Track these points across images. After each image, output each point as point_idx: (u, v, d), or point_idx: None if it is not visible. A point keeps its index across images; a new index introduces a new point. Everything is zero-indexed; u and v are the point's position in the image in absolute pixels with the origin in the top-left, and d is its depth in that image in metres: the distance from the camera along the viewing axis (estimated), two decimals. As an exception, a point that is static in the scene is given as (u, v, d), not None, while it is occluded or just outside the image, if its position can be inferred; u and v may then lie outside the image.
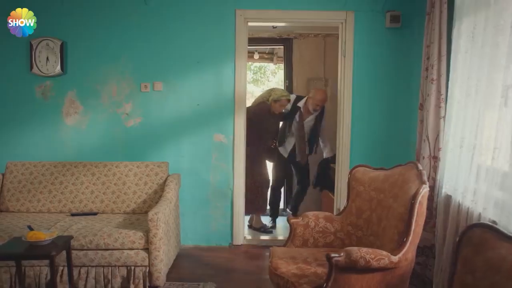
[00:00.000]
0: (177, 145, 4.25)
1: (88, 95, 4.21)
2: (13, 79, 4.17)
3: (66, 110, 4.21)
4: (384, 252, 2.32)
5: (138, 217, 3.71)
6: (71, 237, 3.10)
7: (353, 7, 4.10)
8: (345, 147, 4.22)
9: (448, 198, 2.82)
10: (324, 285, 2.30)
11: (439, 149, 3.18)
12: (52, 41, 4.11)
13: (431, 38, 3.25)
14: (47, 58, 4.14)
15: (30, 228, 3.02)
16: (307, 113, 4.88)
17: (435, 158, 3.20)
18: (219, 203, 4.30)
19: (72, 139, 4.24)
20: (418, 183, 2.53)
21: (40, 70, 4.14)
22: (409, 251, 2.39)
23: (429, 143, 3.24)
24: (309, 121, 4.91)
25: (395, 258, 2.32)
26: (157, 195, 3.91)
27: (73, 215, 3.79)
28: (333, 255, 2.27)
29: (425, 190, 2.41)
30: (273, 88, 4.99)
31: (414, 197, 2.37)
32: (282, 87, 5.78)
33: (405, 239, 2.37)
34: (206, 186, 4.29)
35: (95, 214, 3.83)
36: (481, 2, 2.60)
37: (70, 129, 4.23)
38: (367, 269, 2.29)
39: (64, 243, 2.96)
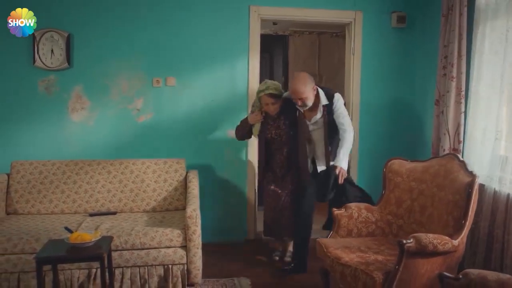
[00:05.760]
0: (190, 141, 4.19)
1: (96, 90, 4.03)
2: (14, 72, 3.90)
3: (72, 106, 4.01)
4: (446, 237, 2.49)
5: (164, 215, 3.63)
6: (111, 238, 2.98)
7: (362, 7, 4.28)
8: (354, 141, 4.35)
9: (481, 186, 3.07)
10: (397, 267, 2.42)
11: (459, 142, 3.44)
12: (58, 33, 3.89)
13: (449, 38, 3.50)
14: (52, 51, 3.91)
15: (69, 230, 2.87)
16: (313, 110, 3.53)
17: (455, 150, 3.45)
18: (232, 199, 4.31)
19: (79, 136, 4.04)
20: (464, 172, 2.74)
21: (43, 63, 3.90)
22: (465, 235, 2.59)
23: (449, 136, 3.49)
24: (315, 121, 3.56)
25: (456, 242, 2.50)
26: (178, 192, 3.84)
27: (91, 215, 3.63)
28: (405, 241, 2.40)
29: (478, 179, 2.62)
30: (264, 81, 3.73)
31: (471, 186, 2.57)
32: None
33: (463, 223, 2.56)
34: (219, 182, 4.28)
35: (114, 213, 3.69)
36: (513, 6, 2.86)
37: (77, 125, 4.03)
38: (434, 253, 2.45)
39: (107, 244, 2.85)
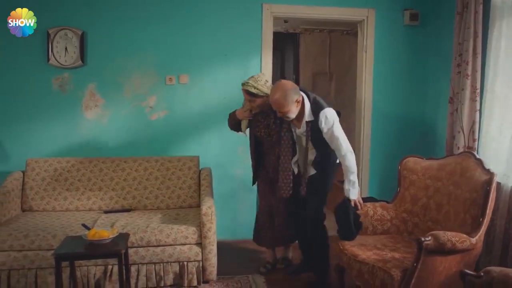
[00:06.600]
0: (203, 139, 4.20)
1: (109, 87, 4.04)
2: (28, 70, 3.91)
3: (86, 103, 4.02)
4: (464, 235, 2.49)
5: (178, 212, 3.65)
6: (128, 235, 3.00)
7: (374, 5, 4.27)
8: (366, 139, 4.39)
9: (497, 184, 3.05)
10: (414, 264, 2.42)
11: (474, 140, 3.43)
12: (71, 30, 3.90)
13: (464, 36, 3.48)
14: (66, 49, 3.93)
15: (86, 227, 2.89)
16: (300, 120, 3.12)
17: (470, 148, 3.44)
18: (244, 196, 4.32)
19: (93, 133, 4.06)
20: (481, 170, 2.74)
21: (57, 61, 3.92)
22: (483, 233, 2.59)
23: (464, 134, 3.48)
24: (301, 132, 3.19)
25: (473, 240, 2.50)
26: (191, 189, 3.86)
27: (106, 212, 3.65)
28: (423, 239, 2.40)
29: (496, 177, 2.62)
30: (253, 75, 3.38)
31: (489, 184, 2.57)
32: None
33: (481, 221, 2.56)
34: (231, 179, 4.29)
35: (128, 210, 3.72)
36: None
37: (91, 123, 4.05)
38: (452, 251, 2.45)
39: (124, 241, 2.87)
